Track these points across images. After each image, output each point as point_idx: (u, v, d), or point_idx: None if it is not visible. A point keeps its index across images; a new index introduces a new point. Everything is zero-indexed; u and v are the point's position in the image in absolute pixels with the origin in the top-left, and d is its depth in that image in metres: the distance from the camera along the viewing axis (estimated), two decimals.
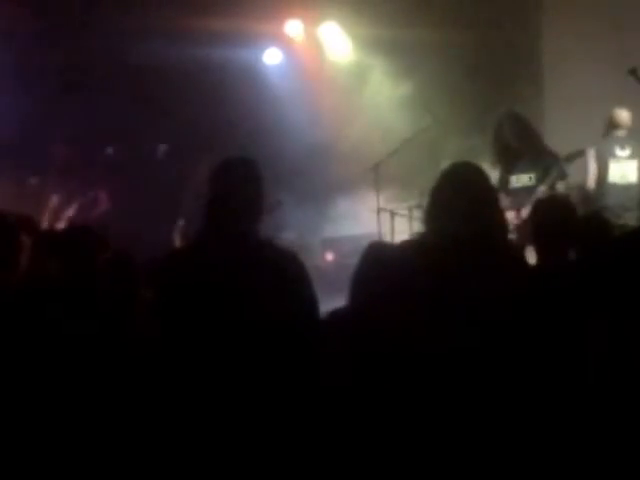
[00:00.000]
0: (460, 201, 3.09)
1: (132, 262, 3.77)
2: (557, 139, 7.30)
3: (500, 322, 2.94)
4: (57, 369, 3.08)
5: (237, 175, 3.24)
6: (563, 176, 6.13)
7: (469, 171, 3.22)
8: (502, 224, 3.26)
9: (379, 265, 3.55)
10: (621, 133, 6.54)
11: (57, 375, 3.07)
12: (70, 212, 7.35)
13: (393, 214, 7.44)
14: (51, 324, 3.10)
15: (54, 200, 7.35)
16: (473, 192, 3.12)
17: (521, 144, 6.24)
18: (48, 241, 3.70)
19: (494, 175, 6.17)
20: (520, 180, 6.24)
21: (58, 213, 7.33)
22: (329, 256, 8.46)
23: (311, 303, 3.21)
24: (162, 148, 8.78)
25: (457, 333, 2.91)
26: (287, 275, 3.13)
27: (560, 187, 6.05)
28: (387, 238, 7.41)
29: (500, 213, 3.29)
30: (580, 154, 6.08)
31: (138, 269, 3.68)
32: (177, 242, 7.21)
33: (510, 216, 6.13)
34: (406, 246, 3.38)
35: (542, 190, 5.99)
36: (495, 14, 8.35)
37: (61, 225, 7.08)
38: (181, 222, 7.35)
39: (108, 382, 3.14)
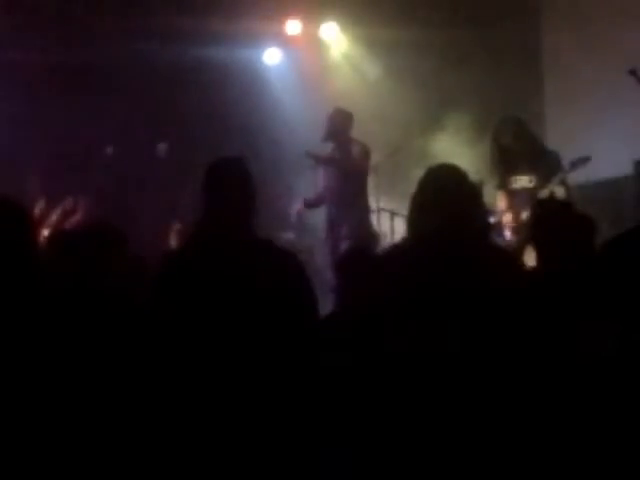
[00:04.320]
0: (438, 203, 3.09)
1: (145, 264, 3.76)
2: (558, 141, 7.31)
3: (485, 323, 2.94)
4: (66, 369, 3.07)
5: (228, 175, 3.24)
6: (564, 179, 6.12)
7: (446, 172, 3.22)
8: (483, 223, 3.26)
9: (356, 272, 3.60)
10: None
11: (66, 375, 3.06)
12: (53, 218, 7.33)
13: (393, 214, 7.45)
14: (64, 323, 3.09)
15: (41, 205, 7.34)
16: (451, 193, 3.12)
17: (519, 146, 6.24)
18: (64, 240, 3.68)
19: (494, 176, 6.18)
20: (520, 182, 6.23)
21: (44, 218, 7.31)
22: None
23: (311, 303, 3.22)
24: (162, 147, 8.77)
25: (442, 335, 2.92)
26: (287, 275, 3.14)
27: (559, 192, 6.04)
28: (387, 238, 7.42)
29: (481, 212, 3.28)
30: (585, 161, 6.05)
31: (149, 270, 3.67)
32: (174, 244, 7.19)
33: (508, 218, 6.14)
34: (391, 251, 3.39)
35: (544, 194, 5.98)
36: (495, 14, 8.35)
37: (46, 232, 7.04)
38: (177, 224, 7.34)
39: (114, 381, 3.13)
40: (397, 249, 3.39)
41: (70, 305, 3.13)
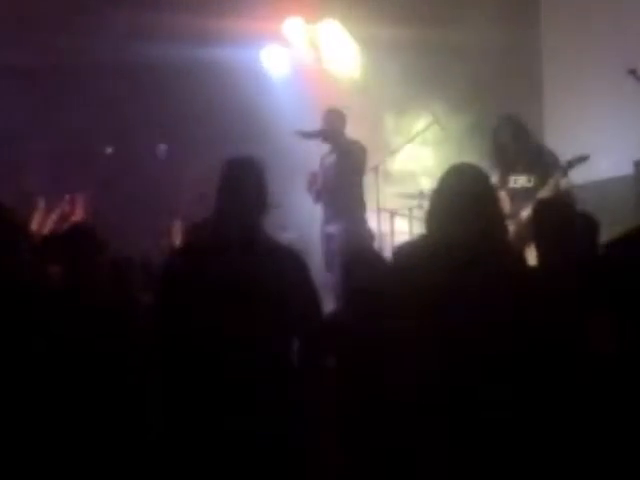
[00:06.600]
0: (459, 203, 3.10)
1: (130, 265, 3.77)
2: (557, 140, 7.30)
3: (500, 322, 2.95)
4: (54, 372, 3.07)
5: (242, 174, 3.26)
6: (566, 175, 6.11)
7: (467, 172, 3.23)
8: (502, 224, 3.27)
9: (362, 273, 3.60)
10: None
11: (54, 379, 3.06)
12: (52, 221, 7.31)
13: (393, 214, 7.45)
14: (51, 327, 3.10)
15: (41, 203, 7.33)
16: (472, 193, 3.13)
17: (518, 145, 6.24)
18: (48, 245, 3.70)
19: (494, 175, 6.17)
20: (519, 181, 6.23)
21: (45, 218, 7.30)
22: None
23: (314, 302, 3.23)
24: (162, 148, 8.78)
25: (456, 334, 2.92)
26: (291, 274, 3.15)
27: (564, 183, 6.02)
28: (387, 238, 7.41)
29: (500, 213, 3.30)
30: (582, 160, 6.05)
31: (136, 271, 3.69)
32: (177, 242, 7.18)
33: (508, 218, 6.12)
34: (405, 248, 3.38)
35: (545, 192, 5.97)
36: (495, 14, 8.34)
37: (46, 232, 7.03)
38: (178, 223, 7.32)
39: (107, 386, 3.13)
40: (413, 247, 3.39)
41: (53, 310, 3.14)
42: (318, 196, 7.01)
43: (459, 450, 2.88)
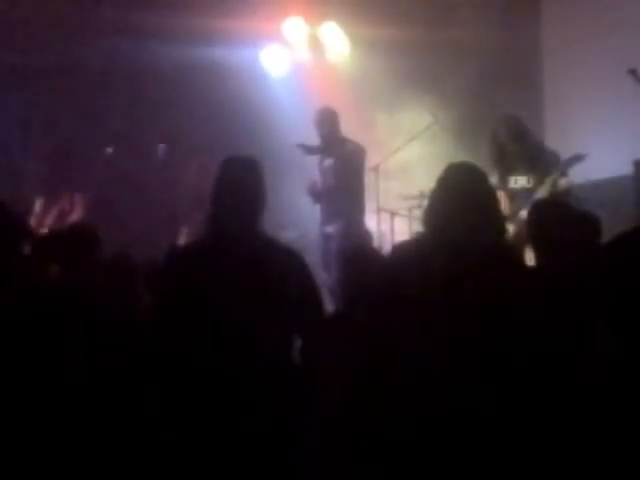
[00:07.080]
0: (457, 201, 3.10)
1: (131, 264, 3.77)
2: (557, 141, 7.30)
3: (498, 321, 2.95)
4: (55, 372, 3.07)
5: (241, 173, 3.25)
6: (564, 174, 6.11)
7: (466, 171, 3.23)
8: (500, 222, 3.27)
9: (363, 271, 3.60)
10: None
11: (52, 378, 3.06)
12: (50, 219, 7.30)
13: (393, 214, 7.45)
14: (50, 327, 3.10)
15: (38, 205, 7.33)
16: (470, 192, 3.13)
17: (518, 146, 6.23)
18: (47, 243, 3.70)
19: (494, 176, 6.17)
20: (519, 182, 6.23)
21: (42, 218, 7.29)
22: None
23: (315, 301, 3.23)
24: (161, 148, 8.77)
25: (453, 335, 2.92)
26: (291, 274, 3.15)
27: (563, 182, 6.02)
28: (387, 238, 7.42)
29: (498, 211, 3.30)
30: (578, 159, 6.05)
31: (137, 271, 3.69)
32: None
33: (507, 219, 6.12)
34: (402, 247, 3.39)
35: (543, 192, 5.97)
36: (496, 14, 8.35)
37: (43, 232, 7.02)
38: (185, 229, 7.32)
39: (107, 386, 3.13)
40: (412, 245, 3.38)
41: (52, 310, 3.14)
42: (319, 199, 7.02)
43: (459, 449, 2.87)
